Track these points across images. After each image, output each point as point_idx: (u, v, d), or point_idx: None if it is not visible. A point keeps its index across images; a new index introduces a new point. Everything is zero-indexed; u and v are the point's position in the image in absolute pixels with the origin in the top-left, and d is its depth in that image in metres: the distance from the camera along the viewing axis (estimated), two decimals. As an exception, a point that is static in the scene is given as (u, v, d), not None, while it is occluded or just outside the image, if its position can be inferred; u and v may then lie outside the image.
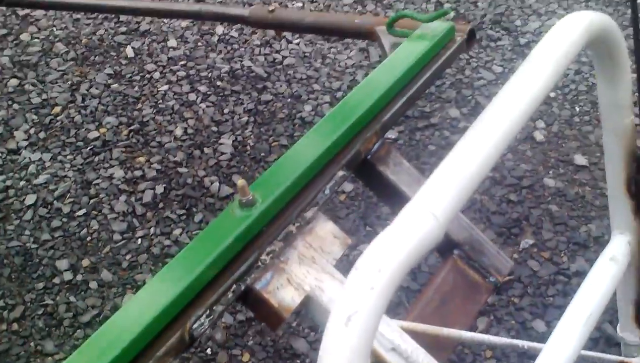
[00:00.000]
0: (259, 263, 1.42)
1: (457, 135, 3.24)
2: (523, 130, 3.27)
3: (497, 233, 2.81)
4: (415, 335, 1.54)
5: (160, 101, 3.48)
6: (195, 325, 1.29)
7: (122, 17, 4.06)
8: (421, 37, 1.91)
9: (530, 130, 3.27)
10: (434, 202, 0.91)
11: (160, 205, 2.96)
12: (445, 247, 1.80)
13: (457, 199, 0.94)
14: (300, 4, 4.15)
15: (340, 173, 1.62)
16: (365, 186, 1.83)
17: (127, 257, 2.76)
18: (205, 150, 3.20)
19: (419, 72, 1.85)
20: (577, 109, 3.38)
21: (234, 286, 1.37)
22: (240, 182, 1.43)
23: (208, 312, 1.31)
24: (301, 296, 1.42)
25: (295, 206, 1.52)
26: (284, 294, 1.41)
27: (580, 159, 3.12)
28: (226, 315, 2.55)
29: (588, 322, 1.44)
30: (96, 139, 3.26)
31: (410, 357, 1.44)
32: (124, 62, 3.75)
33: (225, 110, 3.42)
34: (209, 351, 2.47)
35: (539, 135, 3.25)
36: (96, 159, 3.16)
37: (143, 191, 3.01)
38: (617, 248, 1.57)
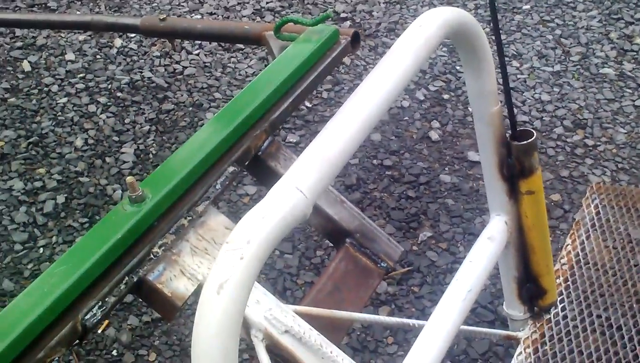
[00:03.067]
0: (151, 256, 1.47)
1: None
2: (419, 131, 3.39)
3: (396, 228, 2.91)
4: (309, 318, 1.61)
5: (60, 113, 3.45)
6: (88, 316, 1.32)
7: (18, 32, 4.01)
8: (307, 40, 1.99)
9: (426, 131, 3.40)
10: (301, 180, 0.98)
11: (62, 214, 2.95)
12: (338, 235, 1.88)
13: (323, 177, 1.00)
14: (199, 16, 4.19)
15: (231, 169, 1.68)
16: (258, 181, 1.89)
17: (29, 266, 2.73)
18: (107, 159, 3.20)
19: (305, 73, 1.93)
20: (470, 109, 3.52)
21: (127, 278, 1.41)
22: (129, 178, 1.47)
23: (100, 303, 1.35)
24: (194, 285, 1.47)
25: (187, 201, 1.58)
26: (177, 284, 1.46)
27: (473, 156, 3.26)
28: (131, 317, 2.57)
29: (468, 297, 1.53)
30: (-6, 152, 3.23)
31: (304, 338, 1.51)
32: (20, 76, 3.71)
33: (127, 120, 3.43)
34: (114, 352, 2.47)
35: (434, 135, 3.37)
36: (-6, 172, 3.14)
37: (44, 201, 2.99)
38: (495, 228, 1.66)
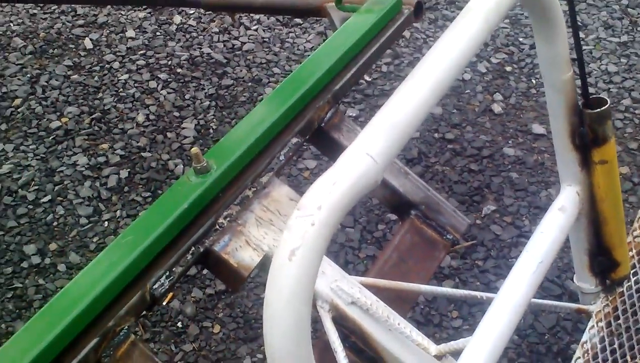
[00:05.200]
0: (217, 227, 1.47)
1: (417, 109, 3.28)
2: (481, 104, 3.33)
3: (459, 201, 2.87)
4: (375, 290, 1.59)
5: (121, 90, 3.48)
6: (156, 286, 1.33)
7: (79, 10, 4.04)
8: (369, 11, 1.96)
9: (488, 103, 3.33)
10: (371, 145, 0.95)
11: (126, 189, 2.98)
12: (403, 207, 1.85)
13: (394, 143, 0.97)
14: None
15: (294, 140, 1.67)
16: (321, 153, 1.87)
17: (95, 239, 2.77)
18: (168, 134, 3.22)
19: (367, 43, 1.90)
20: (534, 81, 3.45)
21: (193, 248, 1.41)
22: (194, 149, 1.46)
23: (168, 273, 1.35)
24: (260, 256, 1.47)
25: (251, 172, 1.57)
26: (243, 254, 1.46)
27: (538, 128, 3.19)
28: (195, 290, 2.59)
29: (538, 270, 1.49)
30: (58, 128, 3.27)
31: (370, 309, 1.49)
32: (82, 53, 3.75)
33: (187, 96, 3.44)
34: (179, 324, 2.50)
35: (497, 108, 3.31)
36: (59, 147, 3.17)
37: (107, 176, 3.02)
38: (566, 199, 1.62)
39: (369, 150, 0.94)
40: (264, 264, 1.48)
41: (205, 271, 2.65)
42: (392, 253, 1.76)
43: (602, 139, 1.54)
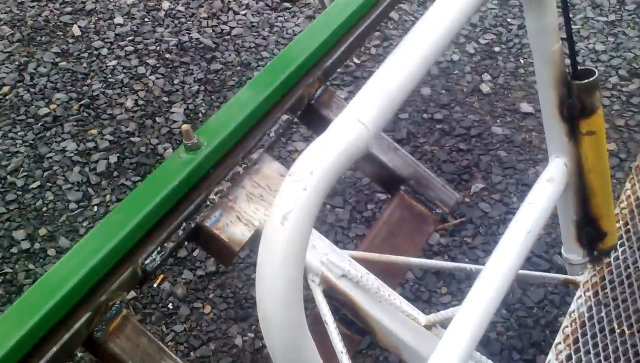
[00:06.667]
0: (208, 203, 1.47)
1: (405, 90, 3.29)
2: (469, 84, 3.34)
3: (448, 180, 2.88)
4: (365, 263, 1.60)
5: (110, 76, 3.48)
6: (148, 261, 1.34)
7: (67, -3, 4.04)
8: (359, -13, 1.95)
9: (476, 84, 3.35)
10: (362, 112, 0.96)
11: (115, 173, 2.98)
12: (392, 183, 1.86)
13: (384, 109, 0.98)
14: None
15: (285, 117, 1.67)
16: (311, 130, 1.88)
17: (84, 224, 2.78)
18: (157, 119, 3.22)
19: (356, 21, 1.90)
20: (522, 61, 3.46)
21: (184, 224, 1.42)
22: (184, 126, 1.47)
23: (159, 248, 1.36)
24: (251, 231, 1.48)
25: (241, 148, 1.57)
26: (234, 230, 1.47)
27: (526, 107, 3.20)
28: (186, 272, 2.60)
29: (527, 239, 1.50)
30: (47, 115, 3.26)
31: (360, 282, 1.50)
32: (71, 40, 3.74)
33: (175, 81, 3.44)
34: (170, 306, 2.52)
35: (485, 88, 3.32)
36: (48, 133, 3.17)
37: (97, 161, 3.03)
38: (554, 170, 1.62)
39: (360, 116, 0.95)
40: (255, 239, 1.49)
41: (195, 253, 2.67)
42: (381, 228, 1.77)
43: (589, 110, 1.54)
